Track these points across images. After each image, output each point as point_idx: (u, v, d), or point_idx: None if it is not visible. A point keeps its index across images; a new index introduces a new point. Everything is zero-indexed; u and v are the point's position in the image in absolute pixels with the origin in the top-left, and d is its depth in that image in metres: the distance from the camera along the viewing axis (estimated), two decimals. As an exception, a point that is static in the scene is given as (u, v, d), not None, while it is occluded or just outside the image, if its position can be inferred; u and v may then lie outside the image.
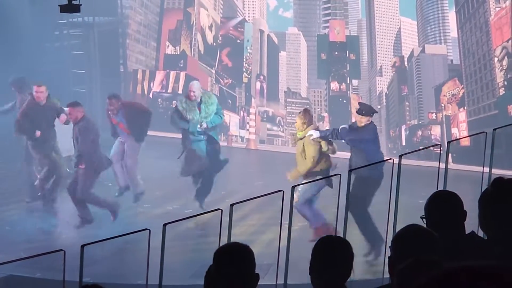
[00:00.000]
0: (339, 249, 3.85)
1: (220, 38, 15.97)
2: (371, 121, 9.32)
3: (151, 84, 16.49)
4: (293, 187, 7.72)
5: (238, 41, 15.80)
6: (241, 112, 15.79)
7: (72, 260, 6.15)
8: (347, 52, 14.98)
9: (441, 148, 10.53)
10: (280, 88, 15.57)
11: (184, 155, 10.91)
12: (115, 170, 11.04)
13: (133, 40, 16.63)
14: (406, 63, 14.51)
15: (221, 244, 5.06)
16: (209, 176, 10.97)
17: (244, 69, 15.82)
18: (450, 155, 9.92)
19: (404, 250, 3.40)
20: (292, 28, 15.56)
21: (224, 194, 11.30)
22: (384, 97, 14.82)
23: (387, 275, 4.12)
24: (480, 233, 3.84)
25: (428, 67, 14.33)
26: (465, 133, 13.52)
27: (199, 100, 10.79)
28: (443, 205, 3.96)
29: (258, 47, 15.69)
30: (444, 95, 14.04)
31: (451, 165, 9.92)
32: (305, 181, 9.20)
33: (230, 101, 15.81)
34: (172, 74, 16.28)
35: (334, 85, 15.08)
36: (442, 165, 8.33)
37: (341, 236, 6.58)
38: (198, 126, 10.77)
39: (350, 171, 7.93)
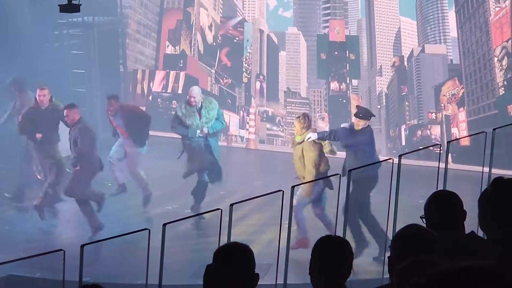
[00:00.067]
0: (339, 249, 3.85)
1: (220, 38, 15.97)
2: (368, 125, 9.37)
3: (151, 84, 16.49)
4: (293, 187, 7.71)
5: (236, 40, 15.79)
6: (241, 112, 15.79)
7: (72, 260, 6.15)
8: (347, 52, 14.98)
9: (441, 148, 10.53)
10: (280, 88, 15.57)
11: (184, 155, 10.87)
12: (113, 169, 11.04)
13: (132, 40, 16.63)
14: (406, 63, 14.51)
15: (221, 244, 5.06)
16: (204, 182, 10.89)
17: (243, 69, 15.82)
18: (449, 155, 9.92)
19: (404, 250, 3.40)
20: (292, 28, 15.56)
21: (223, 194, 11.30)
22: (383, 97, 14.82)
23: (387, 275, 4.12)
24: (480, 233, 3.84)
25: (428, 67, 14.33)
26: (465, 133, 13.52)
27: (199, 105, 10.71)
28: (443, 205, 3.96)
29: (258, 47, 15.69)
30: (444, 95, 14.04)
31: (451, 165, 9.93)
32: (305, 181, 9.20)
33: (229, 101, 15.81)
34: (172, 74, 16.28)
35: (334, 85, 15.08)
36: (442, 165, 8.33)
37: (341, 236, 6.58)
38: (198, 131, 10.68)
39: (349, 171, 7.93)
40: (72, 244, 8.54)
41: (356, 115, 9.34)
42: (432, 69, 14.30)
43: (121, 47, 16.43)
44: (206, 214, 9.10)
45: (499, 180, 3.49)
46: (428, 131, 14.23)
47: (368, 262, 8.93)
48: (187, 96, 10.94)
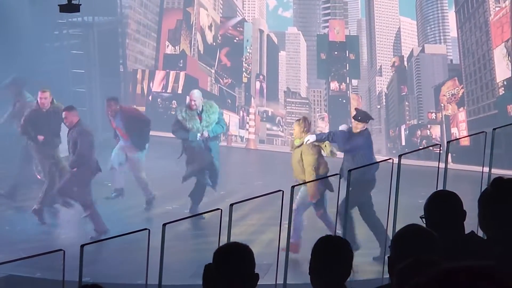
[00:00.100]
0: (339, 249, 3.85)
1: (219, 38, 15.97)
2: (366, 128, 9.41)
3: (151, 84, 16.49)
4: (293, 187, 7.71)
5: (235, 40, 15.79)
6: (241, 112, 15.79)
7: (71, 260, 6.15)
8: (347, 52, 14.98)
9: (441, 148, 10.53)
10: (280, 88, 15.57)
11: (184, 156, 10.86)
12: (114, 172, 11.09)
13: (132, 40, 16.63)
14: (405, 63, 14.51)
15: (221, 244, 5.06)
16: (203, 184, 10.88)
17: (243, 69, 15.82)
18: (449, 155, 9.93)
19: (404, 250, 3.40)
20: (292, 28, 15.56)
21: (223, 194, 11.30)
22: (383, 97, 14.82)
23: (386, 275, 4.12)
24: (480, 233, 3.84)
25: (428, 67, 14.33)
26: (465, 133, 13.52)
27: (200, 109, 10.72)
28: (443, 205, 3.96)
29: (258, 47, 15.69)
30: (444, 95, 14.04)
31: (451, 165, 9.93)
32: (307, 177, 9.20)
33: (229, 101, 15.81)
34: (172, 74, 16.28)
35: (333, 85, 15.08)
36: (442, 165, 8.33)
37: (341, 236, 6.58)
38: (199, 135, 10.68)
39: (349, 171, 7.93)
40: (72, 244, 8.55)
41: (354, 117, 9.38)
42: (432, 69, 14.30)
43: (121, 47, 16.43)
44: (206, 214, 9.09)
45: (499, 180, 3.49)
46: (428, 131, 14.23)
47: (368, 262, 8.93)
48: (188, 100, 10.96)
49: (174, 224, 6.70)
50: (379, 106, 14.84)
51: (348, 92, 15.00)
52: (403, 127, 14.55)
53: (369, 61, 14.97)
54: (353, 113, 9.67)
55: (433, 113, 14.18)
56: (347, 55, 14.97)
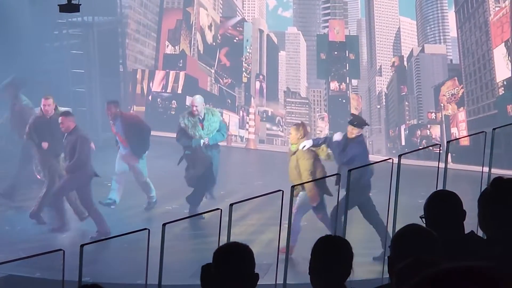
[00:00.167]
0: (339, 249, 3.85)
1: (219, 38, 15.97)
2: (361, 134, 9.43)
3: (151, 84, 16.49)
4: (293, 186, 7.71)
5: (235, 40, 15.79)
6: (241, 112, 15.79)
7: (71, 260, 6.15)
8: (347, 51, 14.98)
9: (441, 148, 10.53)
10: (280, 87, 15.57)
11: (184, 161, 10.85)
12: (117, 180, 11.08)
13: (132, 40, 16.63)
14: (405, 62, 14.51)
15: (220, 244, 5.06)
16: (201, 191, 10.87)
17: (243, 69, 15.82)
18: (449, 154, 9.93)
19: (404, 250, 3.40)
20: (292, 28, 15.56)
21: (223, 193, 11.29)
22: (383, 96, 14.83)
23: (386, 275, 4.12)
24: (480, 233, 3.84)
25: (428, 67, 14.33)
26: (465, 133, 13.52)
27: (202, 115, 10.72)
28: (443, 204, 3.96)
29: (258, 47, 15.69)
30: (444, 95, 14.04)
31: (451, 165, 9.93)
32: (305, 181, 9.19)
33: (229, 101, 15.81)
34: (172, 73, 16.28)
35: (333, 85, 15.08)
36: (442, 165, 8.33)
37: (341, 236, 6.57)
38: (202, 141, 10.67)
39: (349, 171, 7.93)
40: (72, 244, 8.55)
41: (350, 122, 9.39)
42: (432, 69, 14.30)
43: (120, 47, 16.43)
44: (205, 214, 9.09)
45: (499, 180, 3.49)
46: (428, 131, 14.23)
47: (368, 262, 8.93)
48: (189, 103, 10.96)
49: (174, 224, 6.70)
50: (379, 106, 14.84)
51: (348, 92, 15.00)
52: (403, 127, 14.55)
53: (369, 61, 14.98)
54: (349, 120, 9.64)
55: (433, 113, 14.18)
56: (347, 55, 14.97)
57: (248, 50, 15.75)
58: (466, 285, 1.44)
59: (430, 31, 14.36)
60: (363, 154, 9.37)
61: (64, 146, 10.24)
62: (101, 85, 15.33)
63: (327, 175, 9.22)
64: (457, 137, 13.57)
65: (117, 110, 11.03)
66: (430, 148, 12.58)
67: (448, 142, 9.57)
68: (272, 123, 15.64)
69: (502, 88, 13.26)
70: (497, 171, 8.02)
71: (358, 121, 9.44)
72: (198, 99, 10.89)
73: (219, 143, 11.00)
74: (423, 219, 3.96)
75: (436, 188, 6.96)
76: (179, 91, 16.10)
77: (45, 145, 10.66)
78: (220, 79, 15.94)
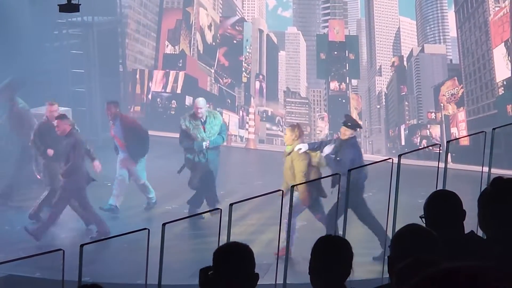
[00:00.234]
0: (339, 249, 3.85)
1: (219, 38, 15.97)
2: (354, 136, 9.45)
3: (150, 84, 16.49)
4: (293, 186, 7.72)
5: (235, 41, 15.79)
6: (241, 112, 15.79)
7: (71, 260, 6.15)
8: (347, 51, 14.98)
9: (441, 148, 10.53)
10: (280, 87, 15.57)
11: (185, 169, 10.84)
12: (119, 184, 11.07)
13: (132, 40, 16.63)
14: (405, 62, 14.51)
15: (220, 244, 5.06)
16: (202, 195, 10.86)
17: (243, 69, 15.82)
18: (449, 154, 9.93)
19: (403, 250, 3.40)
20: (292, 28, 15.56)
21: (223, 193, 11.29)
22: (383, 96, 14.83)
23: (386, 275, 4.12)
24: (480, 233, 3.84)
25: (428, 67, 14.33)
26: (464, 133, 13.52)
27: (204, 118, 10.71)
28: (443, 204, 3.96)
29: (257, 47, 15.69)
30: (443, 95, 14.04)
31: (450, 165, 9.94)
32: (305, 181, 9.20)
33: (229, 101, 15.81)
34: (172, 73, 16.28)
35: (333, 85, 15.08)
36: (442, 165, 8.33)
37: (341, 236, 6.58)
38: (205, 143, 10.65)
39: (349, 170, 7.94)
40: (72, 244, 8.56)
41: (344, 123, 9.43)
42: (432, 69, 14.30)
43: (120, 47, 16.43)
44: (205, 214, 9.10)
45: (499, 180, 3.49)
46: (428, 131, 14.23)
47: (368, 262, 8.93)
48: (191, 104, 10.94)
49: (173, 224, 6.70)
50: (378, 106, 14.84)
51: (347, 92, 15.00)
52: (402, 127, 14.55)
53: (369, 61, 14.98)
54: (342, 121, 9.64)
55: (433, 113, 14.18)
56: (347, 55, 14.97)
57: (248, 50, 15.75)
58: (466, 285, 1.44)
59: (430, 31, 14.35)
60: (358, 157, 9.40)
61: (60, 149, 10.26)
62: (101, 85, 15.33)
63: (325, 176, 9.21)
64: (457, 137, 13.57)
65: (117, 110, 11.05)
66: (430, 148, 12.59)
67: (448, 142, 9.57)
68: (272, 123, 15.64)
69: (502, 88, 13.26)
70: (497, 171, 8.03)
71: (352, 123, 9.51)
72: (202, 102, 10.84)
73: (219, 147, 11.01)
74: (423, 219, 3.96)
75: (436, 188, 6.97)
76: (179, 91, 16.10)
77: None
78: (220, 79, 15.94)
